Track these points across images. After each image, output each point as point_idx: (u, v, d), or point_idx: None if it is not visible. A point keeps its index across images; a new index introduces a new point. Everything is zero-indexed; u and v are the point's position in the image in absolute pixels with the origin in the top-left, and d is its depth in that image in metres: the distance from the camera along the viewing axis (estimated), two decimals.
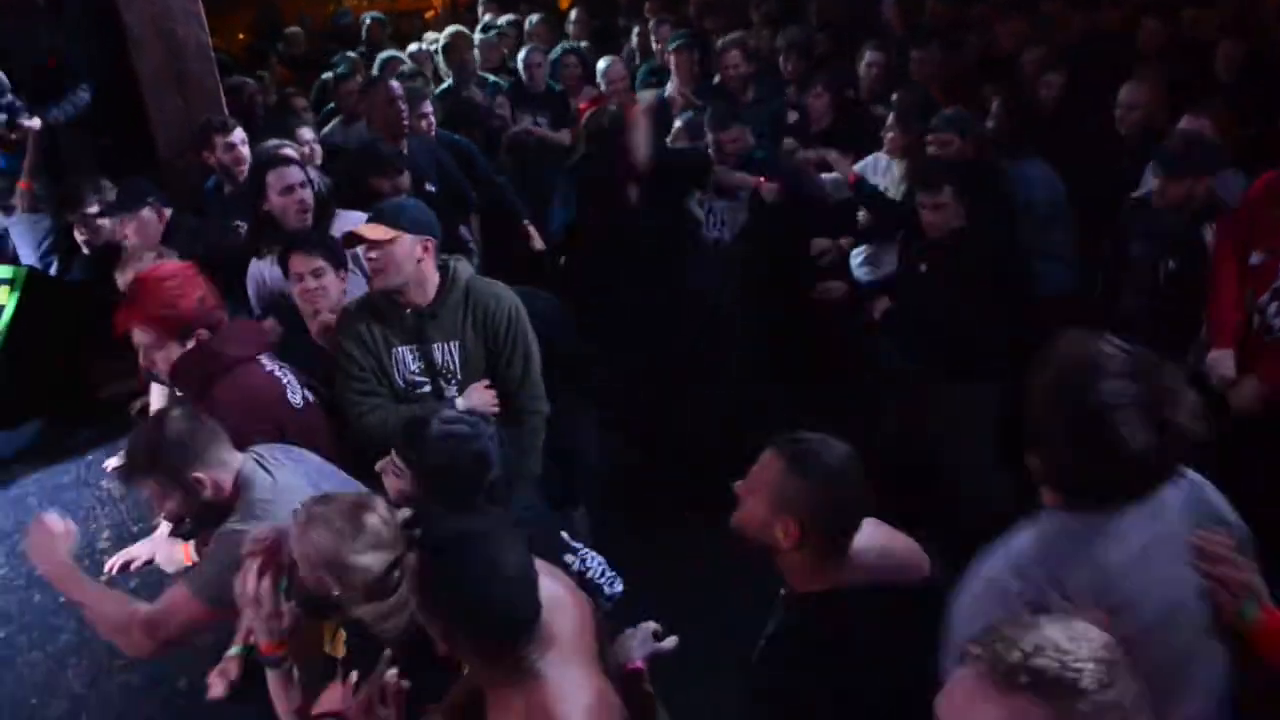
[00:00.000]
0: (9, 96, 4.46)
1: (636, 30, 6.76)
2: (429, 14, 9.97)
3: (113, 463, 3.91)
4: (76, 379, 4.30)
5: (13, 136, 4.52)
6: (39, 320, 4.22)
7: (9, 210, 4.68)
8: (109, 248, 4.09)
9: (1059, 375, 1.60)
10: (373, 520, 2.01)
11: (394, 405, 2.94)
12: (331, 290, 3.18)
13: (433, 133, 4.77)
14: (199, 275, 2.88)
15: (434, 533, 1.89)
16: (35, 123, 4.53)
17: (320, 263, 3.16)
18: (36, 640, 3.09)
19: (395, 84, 4.63)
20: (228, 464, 2.41)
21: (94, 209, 4.09)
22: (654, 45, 6.25)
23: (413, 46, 6.84)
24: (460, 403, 2.90)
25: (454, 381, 2.97)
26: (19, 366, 4.14)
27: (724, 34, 5.66)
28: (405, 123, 4.48)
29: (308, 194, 3.56)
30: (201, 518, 2.45)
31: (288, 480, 2.42)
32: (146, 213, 3.92)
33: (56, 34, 4.69)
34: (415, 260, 2.85)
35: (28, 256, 4.67)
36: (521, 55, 5.89)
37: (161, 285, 2.80)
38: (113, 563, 3.22)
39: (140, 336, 2.84)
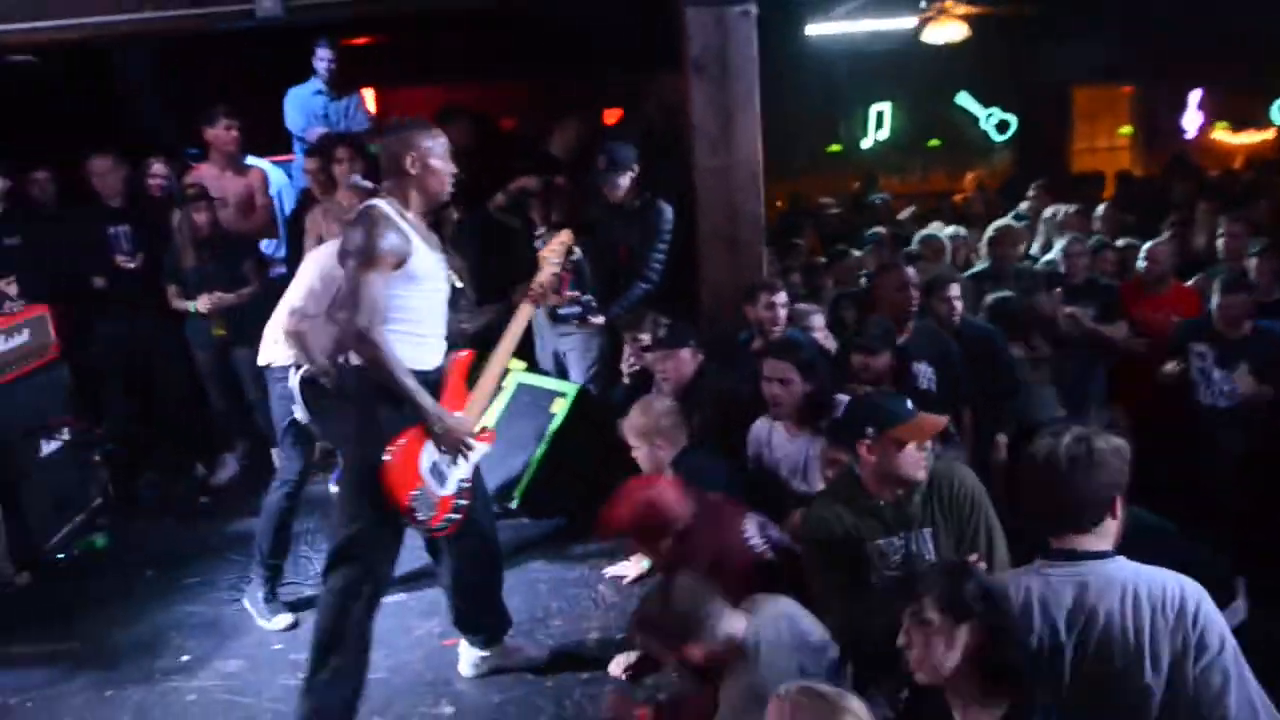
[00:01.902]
0: (588, 295, 5.17)
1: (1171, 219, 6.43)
2: (958, 196, 10.14)
3: (611, 570, 4.34)
4: (596, 490, 4.82)
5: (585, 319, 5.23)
6: (579, 432, 4.85)
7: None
8: (645, 375, 4.65)
9: None
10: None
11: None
12: None
13: (954, 318, 4.72)
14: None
15: None
16: (599, 319, 5.16)
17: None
18: None
19: (910, 270, 4.70)
20: (729, 632, 2.58)
21: (645, 338, 4.67)
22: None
23: (943, 229, 6.96)
24: None
25: None
26: (556, 468, 4.78)
27: None
28: (913, 309, 4.55)
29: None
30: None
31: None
32: (685, 353, 4.37)
33: (631, 229, 5.31)
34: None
35: (578, 375, 5.40)
36: (1060, 244, 5.75)
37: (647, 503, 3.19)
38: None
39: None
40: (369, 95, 8.33)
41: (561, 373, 5.40)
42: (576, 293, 5.09)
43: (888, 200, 9.02)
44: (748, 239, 5.19)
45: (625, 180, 4.99)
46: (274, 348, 4.10)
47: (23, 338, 5.00)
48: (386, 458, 2.98)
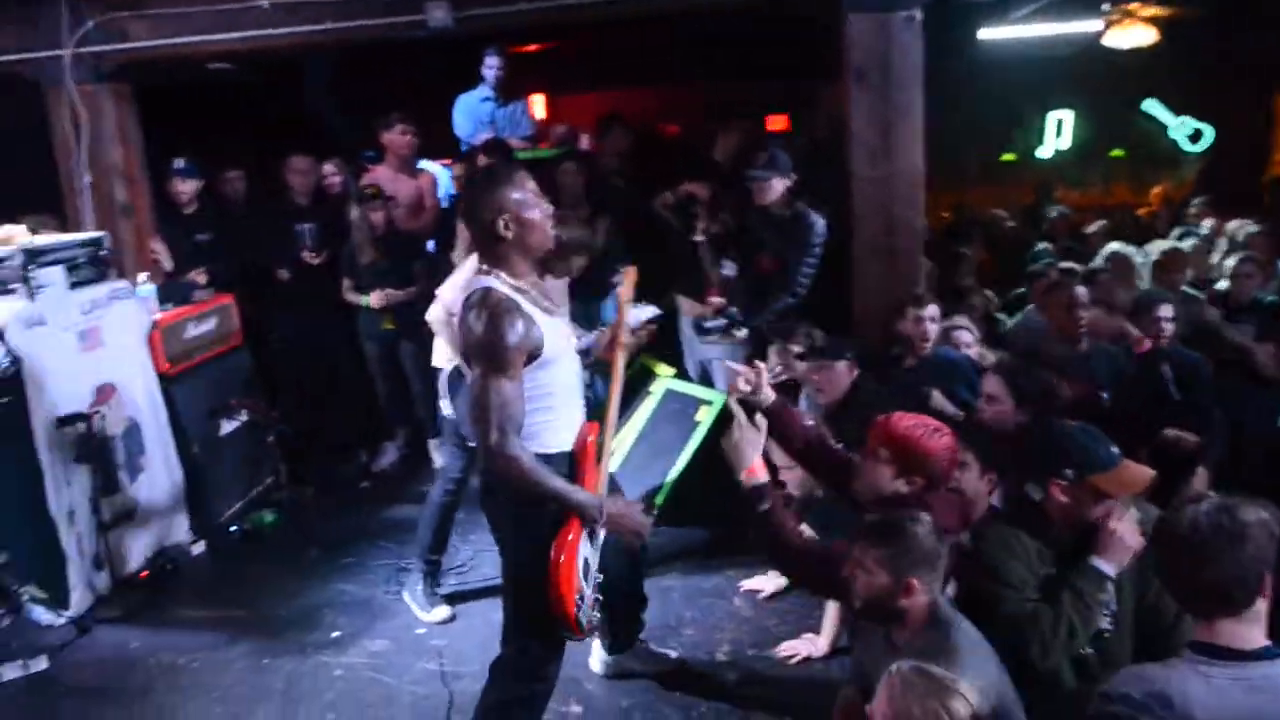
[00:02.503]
0: (733, 308, 5.12)
1: None
2: (1143, 210, 9.56)
3: (747, 584, 4.31)
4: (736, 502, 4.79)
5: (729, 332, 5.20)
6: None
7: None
8: (789, 387, 4.56)
9: None
10: (958, 708, 2.00)
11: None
12: None
13: (1163, 341, 4.41)
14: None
15: None
16: (743, 334, 5.10)
17: None
18: None
19: (1080, 290, 4.50)
20: (939, 597, 2.48)
21: (797, 348, 4.60)
22: None
23: (1117, 247, 6.56)
24: None
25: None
26: (698, 477, 4.76)
27: None
28: (1082, 327, 4.35)
29: None
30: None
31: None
32: (842, 366, 4.27)
33: (780, 238, 5.18)
34: None
35: (723, 385, 5.37)
36: (1230, 263, 5.36)
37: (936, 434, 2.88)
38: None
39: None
40: (538, 101, 8.59)
41: (706, 382, 5.39)
42: (722, 302, 5.08)
43: (1065, 213, 8.56)
44: (905, 250, 5.07)
45: (778, 185, 4.90)
46: (442, 349, 4.23)
47: (210, 325, 5.41)
48: (553, 570, 2.70)
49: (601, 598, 2.88)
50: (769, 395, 3.18)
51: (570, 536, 2.73)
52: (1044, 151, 10.73)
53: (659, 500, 4.79)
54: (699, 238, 5.25)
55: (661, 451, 4.87)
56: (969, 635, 2.41)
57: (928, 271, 5.77)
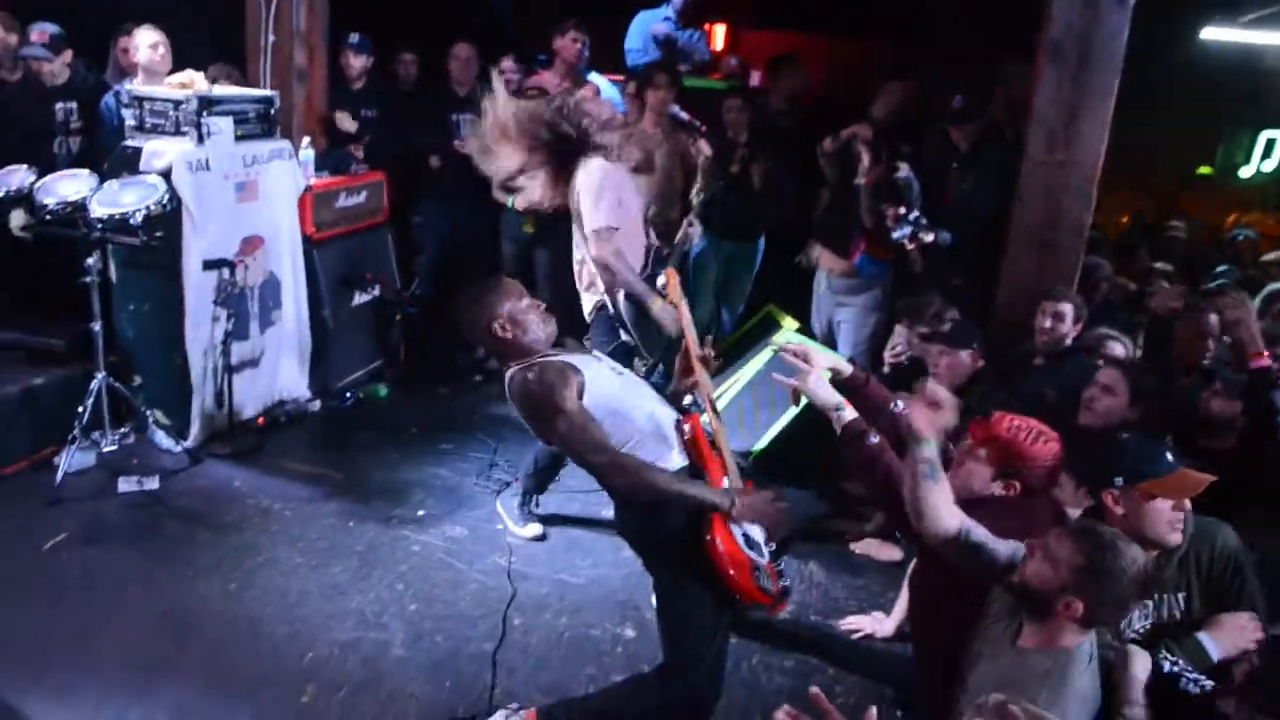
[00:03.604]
0: (916, 213, 4.91)
1: None
2: None
3: (859, 546, 4.26)
4: (832, 467, 4.68)
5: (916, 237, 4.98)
6: None
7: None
8: (907, 369, 4.41)
9: None
10: None
11: None
12: None
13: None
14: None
15: None
16: (930, 237, 4.85)
17: None
18: None
19: (1212, 318, 4.14)
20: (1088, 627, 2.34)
21: (924, 329, 4.42)
22: None
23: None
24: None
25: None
26: (800, 436, 4.68)
27: None
28: (1204, 360, 4.05)
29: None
30: None
31: None
32: (965, 355, 4.09)
33: (965, 173, 5.08)
34: None
35: (846, 348, 5.24)
36: None
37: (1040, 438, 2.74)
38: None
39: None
40: (719, 31, 8.42)
41: (830, 342, 5.28)
42: (903, 210, 4.83)
43: (1253, 238, 7.91)
44: (1066, 246, 4.75)
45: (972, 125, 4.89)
46: (586, 295, 4.12)
47: (359, 198, 5.58)
48: (715, 556, 2.68)
49: (781, 565, 2.85)
50: (845, 368, 3.00)
51: (719, 518, 2.69)
52: (1246, 171, 9.91)
53: (754, 451, 4.75)
54: (861, 180, 5.05)
55: (766, 404, 4.82)
56: (1083, 689, 2.23)
57: (1106, 275, 5.46)
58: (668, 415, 2.87)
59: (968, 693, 2.24)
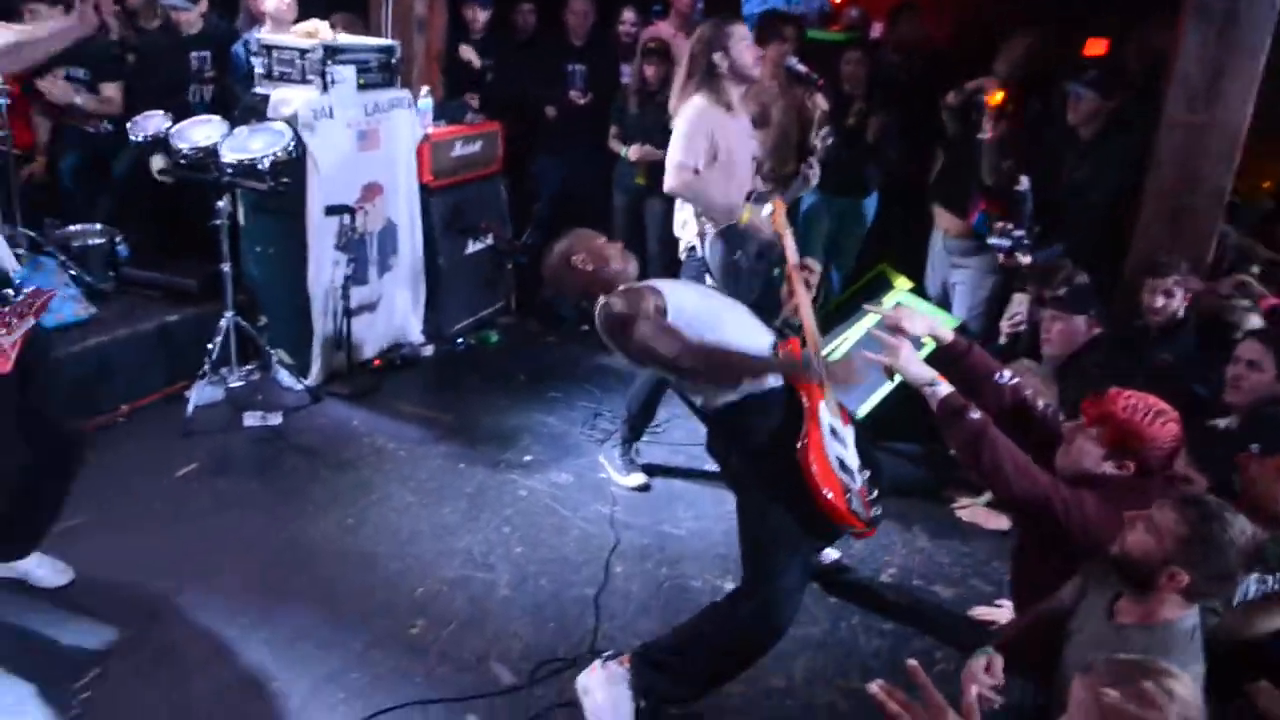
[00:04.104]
0: (1021, 231, 4.74)
1: None
2: None
3: (966, 513, 4.22)
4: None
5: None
6: (941, 369, 4.57)
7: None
8: (1024, 339, 4.33)
9: None
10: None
11: None
12: None
13: None
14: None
15: None
16: (1026, 260, 4.67)
17: None
18: None
19: None
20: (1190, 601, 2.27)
21: (1048, 294, 4.27)
22: None
23: None
24: None
25: None
26: (907, 398, 4.58)
27: None
28: None
29: None
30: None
31: None
32: (1080, 321, 3.95)
33: (1082, 163, 4.85)
34: None
35: (960, 310, 5.10)
36: None
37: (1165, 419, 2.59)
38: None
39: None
40: None
41: (945, 304, 5.15)
42: (1010, 225, 4.68)
43: None
44: (1203, 212, 4.50)
45: (1092, 103, 4.54)
46: (682, 230, 4.16)
47: (476, 147, 5.67)
48: (809, 478, 2.66)
49: (875, 491, 2.84)
50: (946, 335, 2.95)
51: (814, 439, 2.70)
52: None
53: (861, 410, 4.68)
54: (984, 135, 4.86)
55: (876, 365, 4.72)
56: (1188, 680, 2.11)
57: (1246, 248, 5.13)
58: (764, 337, 2.86)
59: (1063, 669, 2.19)
